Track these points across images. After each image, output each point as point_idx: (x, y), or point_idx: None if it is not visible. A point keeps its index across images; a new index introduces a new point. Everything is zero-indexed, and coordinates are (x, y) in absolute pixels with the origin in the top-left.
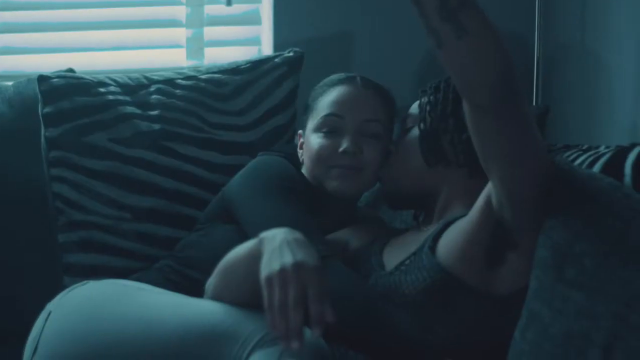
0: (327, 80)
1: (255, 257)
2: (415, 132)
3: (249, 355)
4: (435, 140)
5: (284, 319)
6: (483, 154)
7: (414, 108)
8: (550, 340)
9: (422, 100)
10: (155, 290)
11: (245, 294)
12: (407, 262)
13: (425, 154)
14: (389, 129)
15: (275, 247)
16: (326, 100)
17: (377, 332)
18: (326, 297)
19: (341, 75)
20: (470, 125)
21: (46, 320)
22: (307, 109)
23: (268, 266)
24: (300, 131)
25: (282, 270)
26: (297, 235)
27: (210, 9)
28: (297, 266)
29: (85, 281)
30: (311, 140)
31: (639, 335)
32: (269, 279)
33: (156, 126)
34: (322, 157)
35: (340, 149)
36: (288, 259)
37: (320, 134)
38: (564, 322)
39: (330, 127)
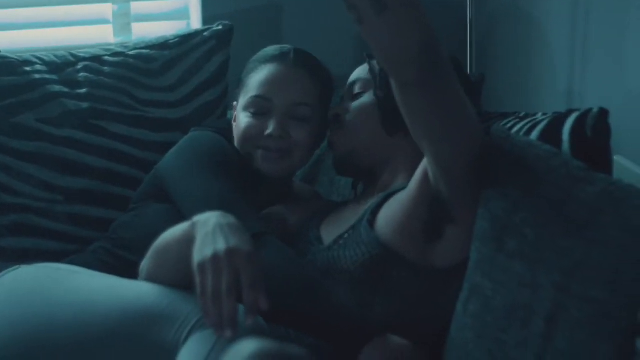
0: (261, 53)
1: (188, 241)
2: (368, 98)
3: (188, 335)
4: (395, 108)
5: (217, 306)
6: (414, 130)
7: (363, 73)
8: (492, 313)
9: (373, 65)
10: (89, 273)
11: (179, 276)
12: (346, 235)
13: (386, 123)
14: (321, 109)
15: (209, 232)
16: (256, 79)
17: (315, 309)
18: (260, 282)
19: (276, 49)
20: (398, 101)
21: None
22: (240, 83)
23: (200, 252)
24: (235, 102)
25: (215, 257)
26: (231, 219)
27: None
28: (230, 252)
29: (17, 266)
30: (240, 118)
31: (580, 305)
32: (202, 265)
33: (85, 105)
34: (248, 137)
35: (266, 132)
36: (221, 244)
37: (248, 114)
38: (506, 294)
39: (258, 108)
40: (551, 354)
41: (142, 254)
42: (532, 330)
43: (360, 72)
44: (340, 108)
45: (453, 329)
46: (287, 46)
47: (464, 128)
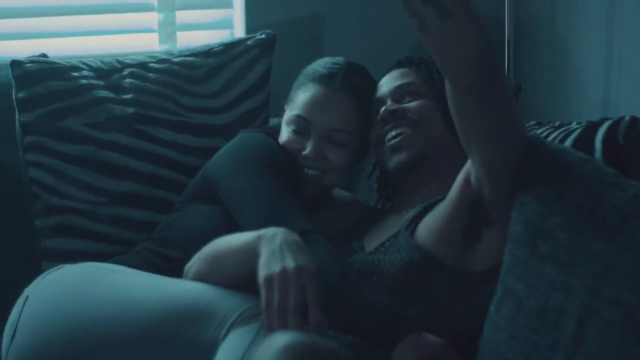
0: (312, 68)
1: (249, 253)
2: (427, 101)
3: (227, 332)
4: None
5: (282, 321)
6: (465, 133)
7: (410, 77)
8: (525, 314)
9: (424, 72)
10: (130, 271)
11: (231, 282)
12: (387, 243)
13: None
14: (362, 131)
15: (276, 247)
16: (301, 98)
17: (353, 307)
18: (322, 303)
19: (326, 67)
20: (452, 106)
21: (24, 305)
22: (290, 92)
23: (268, 266)
24: (285, 107)
25: (283, 273)
26: (296, 237)
27: None
28: (299, 270)
29: (60, 265)
30: (283, 130)
31: (611, 308)
32: (269, 280)
33: (130, 110)
34: (288, 150)
35: (303, 153)
36: (289, 262)
37: (290, 130)
38: (538, 296)
39: (298, 127)
40: (582, 355)
41: (187, 252)
42: (563, 332)
43: (405, 76)
44: (399, 106)
45: (486, 330)
46: (338, 63)
47: (513, 131)
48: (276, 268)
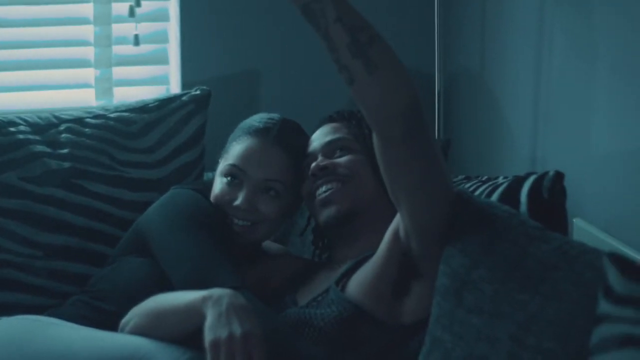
0: (248, 122)
1: (194, 313)
2: (358, 156)
3: None
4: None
5: None
6: (393, 185)
7: (341, 132)
8: None
9: (354, 127)
10: (67, 324)
11: (172, 339)
12: (319, 298)
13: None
14: (294, 184)
15: (222, 311)
16: (236, 149)
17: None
18: None
19: (261, 121)
20: (379, 157)
21: None
22: (226, 144)
23: (214, 331)
24: (219, 160)
25: (230, 339)
26: (242, 300)
27: (118, 49)
28: (245, 337)
29: None
30: (216, 182)
31: (535, 356)
32: (215, 344)
33: (66, 164)
34: (219, 202)
35: (234, 204)
36: (236, 327)
37: (223, 180)
38: (464, 347)
39: (232, 177)
40: None
41: (120, 305)
42: None
43: (336, 131)
44: (329, 162)
45: None
46: (273, 118)
47: (440, 183)
48: (223, 333)
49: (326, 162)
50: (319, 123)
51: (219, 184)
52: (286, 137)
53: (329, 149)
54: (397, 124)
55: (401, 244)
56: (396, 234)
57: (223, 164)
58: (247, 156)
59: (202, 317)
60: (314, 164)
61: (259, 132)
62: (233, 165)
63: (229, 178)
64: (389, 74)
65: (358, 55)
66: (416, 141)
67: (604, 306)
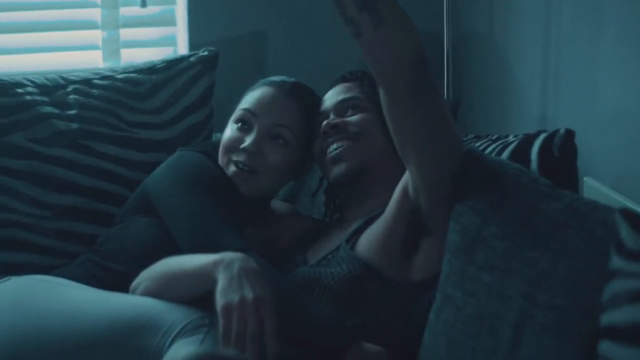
0: (265, 79)
1: (205, 277)
2: (369, 115)
3: (171, 343)
4: None
5: (239, 350)
6: (400, 139)
7: (354, 92)
8: (463, 321)
9: (366, 87)
10: (76, 285)
11: (182, 301)
12: (329, 256)
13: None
14: (303, 140)
15: (234, 275)
16: (250, 95)
17: (296, 318)
18: (280, 331)
19: (279, 78)
20: (387, 113)
21: None
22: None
23: (226, 295)
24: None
25: (242, 303)
26: (253, 264)
27: (125, 11)
28: (257, 301)
29: (6, 277)
30: (226, 129)
31: (546, 313)
32: (227, 308)
33: (74, 125)
34: (226, 148)
35: (242, 145)
36: (248, 292)
37: (234, 126)
38: (475, 304)
39: (243, 121)
40: (518, 359)
41: (129, 265)
42: (500, 338)
43: (348, 90)
44: (340, 120)
45: (426, 337)
46: (291, 79)
47: (448, 138)
48: (235, 297)
49: (337, 120)
50: (331, 83)
51: (229, 130)
52: (300, 91)
53: (341, 107)
54: (402, 77)
55: (410, 201)
56: (405, 190)
57: (235, 112)
58: (259, 101)
59: (213, 281)
60: (325, 122)
61: (274, 83)
62: (245, 110)
63: (239, 124)
64: (395, 28)
65: (364, 8)
66: (422, 96)
67: (616, 262)
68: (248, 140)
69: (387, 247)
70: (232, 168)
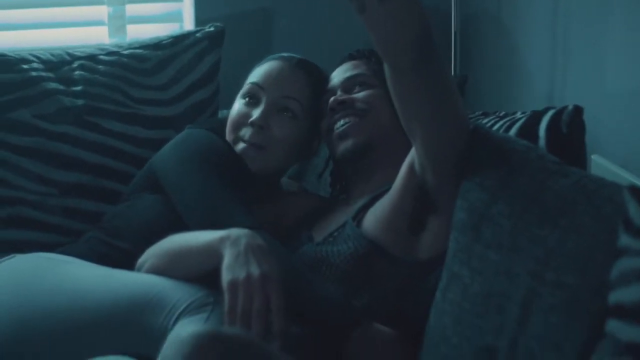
0: (271, 55)
1: (212, 253)
2: (377, 91)
3: (176, 320)
4: None
5: (245, 327)
6: (405, 115)
7: (362, 69)
8: (470, 300)
9: (374, 64)
10: (81, 263)
11: (189, 278)
12: (335, 234)
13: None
14: (310, 115)
15: (240, 251)
16: (257, 70)
17: (303, 297)
18: (286, 309)
19: (285, 53)
20: (392, 88)
21: None
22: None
23: (232, 271)
24: None
25: (248, 279)
26: (260, 241)
27: None
28: (263, 277)
29: (11, 255)
30: (234, 105)
31: (554, 291)
32: (233, 284)
33: (80, 102)
34: (234, 124)
35: (250, 120)
36: (254, 268)
37: (242, 101)
38: (482, 282)
39: (251, 95)
40: (526, 338)
41: (135, 242)
42: (507, 316)
43: (355, 67)
44: (347, 97)
45: (432, 316)
46: (299, 56)
47: (454, 113)
48: (241, 274)
49: (344, 96)
50: (339, 61)
51: (237, 105)
52: (308, 66)
53: (348, 84)
54: (407, 52)
55: (416, 177)
56: (411, 167)
57: (243, 87)
58: (267, 74)
59: (219, 258)
60: (332, 99)
61: (283, 57)
62: (253, 84)
63: (247, 98)
64: (399, 3)
65: None
66: (427, 70)
67: (625, 239)
68: (255, 113)
69: (393, 223)
70: (240, 145)
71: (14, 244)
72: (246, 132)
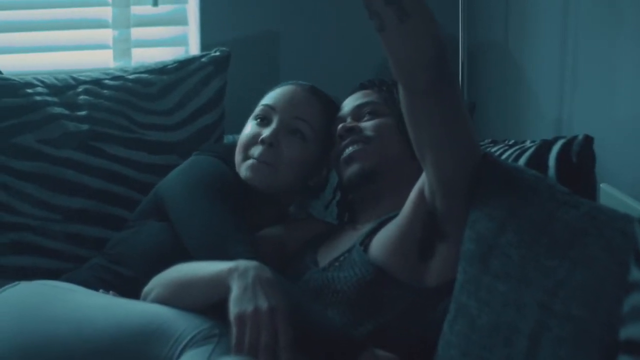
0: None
1: (219, 285)
2: (386, 120)
3: (180, 353)
4: None
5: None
6: (418, 139)
7: (371, 97)
8: (477, 332)
9: (385, 92)
10: (86, 291)
11: (194, 309)
12: (341, 258)
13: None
14: (320, 138)
15: (248, 284)
16: (270, 94)
17: (305, 328)
18: (294, 343)
19: (299, 81)
20: (405, 111)
21: None
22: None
23: (240, 304)
24: None
25: (256, 313)
26: (268, 274)
27: (136, 10)
28: (272, 311)
29: (16, 282)
30: (245, 127)
31: (563, 324)
32: (241, 318)
33: (84, 126)
34: (244, 144)
35: (260, 137)
36: (262, 302)
37: (254, 122)
38: (491, 314)
39: (262, 117)
40: None
41: (139, 270)
42: (515, 349)
43: (366, 96)
44: (355, 124)
45: (440, 347)
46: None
47: (467, 138)
48: (249, 307)
49: (352, 124)
50: (351, 90)
51: (248, 127)
52: (320, 92)
53: (358, 112)
54: (422, 73)
55: (426, 203)
56: (421, 192)
57: (256, 109)
58: (280, 96)
59: (227, 289)
60: (340, 125)
61: (295, 83)
62: (265, 105)
63: (259, 120)
64: (420, 23)
65: (390, 2)
66: (441, 93)
67: (636, 274)
68: (266, 132)
69: (401, 249)
70: (249, 161)
71: (17, 270)
72: (256, 150)
